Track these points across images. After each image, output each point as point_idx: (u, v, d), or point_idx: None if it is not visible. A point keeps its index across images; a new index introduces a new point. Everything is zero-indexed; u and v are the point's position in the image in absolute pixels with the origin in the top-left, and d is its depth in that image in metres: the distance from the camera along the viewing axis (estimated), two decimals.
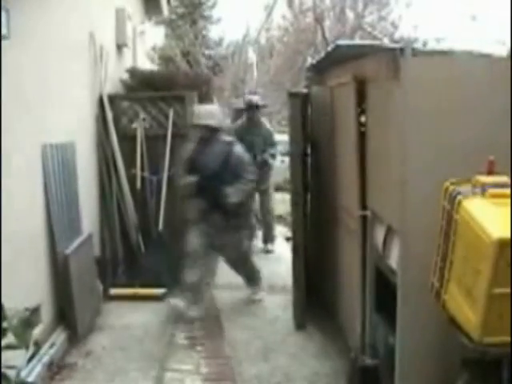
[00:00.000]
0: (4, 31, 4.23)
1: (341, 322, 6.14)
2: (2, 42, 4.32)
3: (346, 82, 5.36)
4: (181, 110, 7.45)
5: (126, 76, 8.89)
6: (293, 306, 6.65)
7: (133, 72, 9.03)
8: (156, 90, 8.11)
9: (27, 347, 4.31)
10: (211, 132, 6.55)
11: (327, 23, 19.19)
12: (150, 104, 7.81)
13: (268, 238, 9.88)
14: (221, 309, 7.06)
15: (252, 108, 9.30)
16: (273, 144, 9.32)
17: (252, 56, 23.64)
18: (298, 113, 6.42)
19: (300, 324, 6.51)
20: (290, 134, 6.64)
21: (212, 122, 6.47)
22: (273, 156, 9.29)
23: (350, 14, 20.60)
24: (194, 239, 6.56)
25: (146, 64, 11.90)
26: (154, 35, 13.74)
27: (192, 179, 6.40)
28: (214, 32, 26.68)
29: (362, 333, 5.28)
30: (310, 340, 6.13)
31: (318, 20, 18.47)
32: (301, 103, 6.94)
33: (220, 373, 5.52)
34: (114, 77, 8.36)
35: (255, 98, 9.49)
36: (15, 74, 4.75)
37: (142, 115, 7.54)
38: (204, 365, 5.64)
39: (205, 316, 6.70)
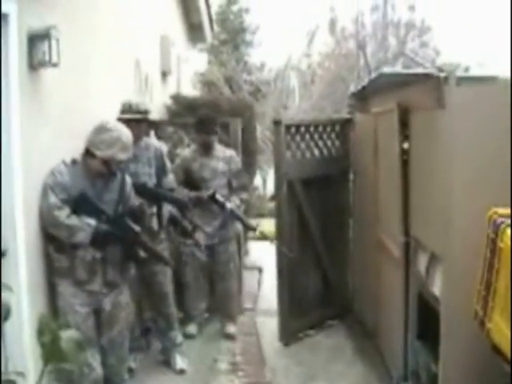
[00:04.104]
0: (54, 59, 4.34)
1: (382, 349, 6.12)
2: (53, 69, 4.44)
3: (389, 109, 5.39)
4: (224, 136, 7.52)
5: (170, 102, 9.02)
6: (279, 327, 6.84)
7: (177, 98, 9.16)
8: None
9: (81, 369, 4.40)
10: None
11: (369, 49, 19.19)
12: (194, 130, 7.88)
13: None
14: (261, 334, 7.06)
15: None
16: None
17: (294, 82, 23.69)
18: (281, 139, 6.64)
19: (287, 343, 6.76)
20: (274, 161, 6.86)
21: None
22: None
23: (392, 40, 20.61)
24: None
25: (190, 90, 12.05)
26: (197, 61, 13.92)
27: None
28: (255, 57, 26.93)
29: (403, 360, 5.26)
30: (351, 367, 6.10)
31: (361, 46, 18.50)
32: (341, 129, 7.13)
33: None
34: (158, 103, 8.49)
35: None
36: (63, 101, 4.86)
37: (187, 141, 7.61)
38: None
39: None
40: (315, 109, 18.14)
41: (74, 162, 4.61)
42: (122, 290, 4.92)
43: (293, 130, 6.89)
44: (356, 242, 7.32)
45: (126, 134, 4.64)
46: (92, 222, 4.45)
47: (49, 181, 4.43)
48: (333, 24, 21.43)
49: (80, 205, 4.47)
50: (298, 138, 6.93)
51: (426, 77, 4.44)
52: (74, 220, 4.40)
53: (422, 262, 4.82)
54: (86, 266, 4.56)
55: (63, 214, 4.38)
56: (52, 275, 4.60)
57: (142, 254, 4.87)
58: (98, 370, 4.71)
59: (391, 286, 5.64)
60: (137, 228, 4.77)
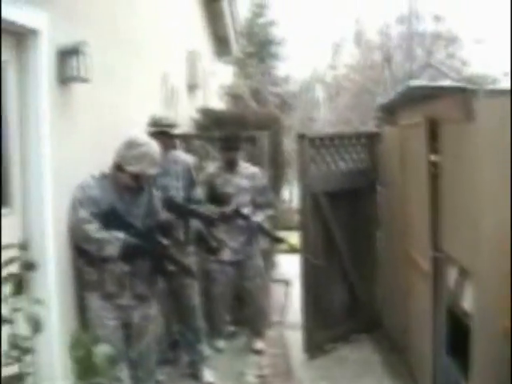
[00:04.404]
0: (84, 74, 4.39)
1: (411, 364, 6.06)
2: (83, 84, 4.50)
3: (417, 122, 5.37)
4: (251, 150, 7.51)
5: (197, 115, 9.05)
6: (303, 339, 6.82)
7: (203, 111, 9.19)
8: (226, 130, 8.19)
9: None
10: None
11: (395, 60, 19.17)
12: (218, 146, 7.89)
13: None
14: (289, 348, 7.03)
15: None
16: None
17: (319, 94, 23.70)
18: (305, 153, 6.70)
19: (311, 355, 6.76)
20: (298, 174, 6.95)
21: None
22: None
23: (418, 51, 20.58)
24: None
25: (217, 103, 12.10)
26: (223, 74, 13.97)
27: None
28: (281, 70, 27.01)
29: (432, 376, 5.21)
30: (379, 382, 6.04)
31: (387, 58, 18.48)
32: (369, 143, 7.12)
33: None
34: (185, 116, 8.51)
35: None
36: (93, 115, 4.91)
37: (214, 154, 7.62)
38: None
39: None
40: (341, 121, 18.14)
41: (102, 175, 4.63)
42: (151, 304, 4.93)
43: (317, 142, 6.92)
44: (384, 255, 7.27)
45: (154, 148, 4.65)
46: (121, 235, 4.46)
47: (78, 195, 4.45)
48: (358, 36, 21.43)
49: (109, 218, 4.49)
50: (322, 150, 6.96)
51: (455, 89, 4.42)
52: (103, 234, 4.41)
53: (451, 276, 4.79)
54: (115, 280, 4.58)
55: (92, 228, 4.40)
56: (82, 288, 4.63)
57: (171, 267, 4.87)
58: None
59: (420, 300, 5.60)
60: (165, 242, 4.78)
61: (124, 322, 4.72)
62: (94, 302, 4.58)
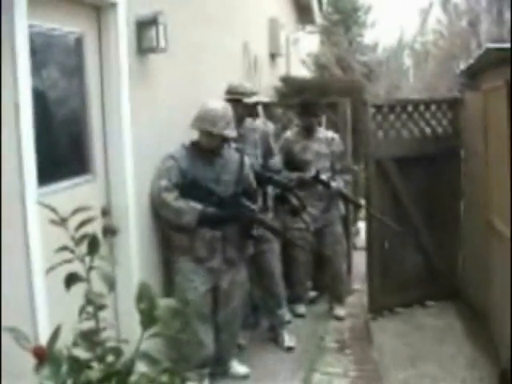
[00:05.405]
0: (162, 44, 4.48)
1: (493, 333, 5.99)
2: (161, 54, 4.59)
3: (497, 87, 5.26)
4: (333, 117, 7.50)
5: (279, 84, 9.08)
6: (367, 299, 7.01)
7: (286, 80, 9.21)
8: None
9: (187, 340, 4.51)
10: None
11: (483, 26, 18.62)
12: (296, 112, 7.90)
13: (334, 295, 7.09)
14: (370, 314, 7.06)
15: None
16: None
17: (407, 61, 23.32)
18: (368, 119, 6.80)
19: (374, 317, 6.87)
20: (363, 140, 7.15)
21: None
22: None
23: (508, 15, 19.92)
24: None
25: (301, 71, 12.08)
26: (308, 42, 13.92)
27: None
28: (368, 37, 26.63)
29: None
30: (460, 350, 5.96)
31: (472, 23, 17.97)
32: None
33: (367, 377, 5.52)
34: (267, 85, 8.56)
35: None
36: (172, 85, 5.01)
37: (296, 122, 7.66)
38: (352, 369, 5.67)
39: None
40: (428, 89, 17.81)
41: (191, 144, 4.77)
42: (240, 269, 5.04)
43: (385, 110, 6.92)
44: (466, 223, 7.17)
45: (225, 110, 4.78)
46: (198, 206, 4.57)
47: (166, 164, 4.60)
48: (446, 0, 20.92)
49: (192, 187, 4.61)
50: (391, 117, 6.95)
51: None
52: (180, 203, 4.54)
53: None
54: (206, 244, 4.72)
55: (171, 197, 4.53)
56: (171, 252, 4.78)
57: (255, 232, 4.97)
58: (210, 348, 4.87)
59: (503, 270, 5.51)
60: (253, 206, 4.88)
61: (213, 286, 4.86)
62: (185, 265, 4.73)
